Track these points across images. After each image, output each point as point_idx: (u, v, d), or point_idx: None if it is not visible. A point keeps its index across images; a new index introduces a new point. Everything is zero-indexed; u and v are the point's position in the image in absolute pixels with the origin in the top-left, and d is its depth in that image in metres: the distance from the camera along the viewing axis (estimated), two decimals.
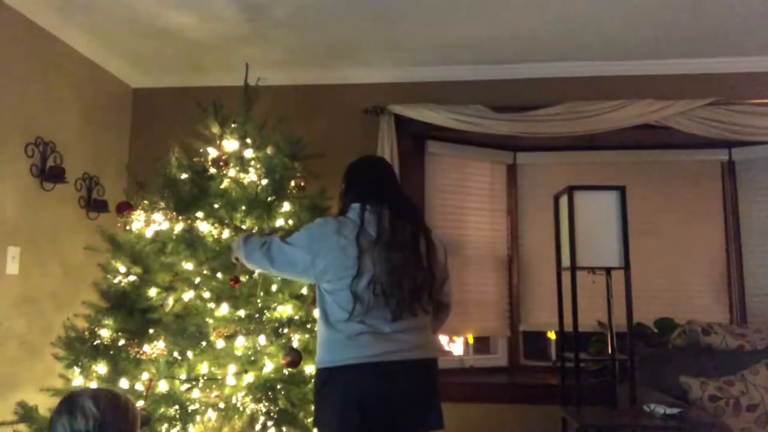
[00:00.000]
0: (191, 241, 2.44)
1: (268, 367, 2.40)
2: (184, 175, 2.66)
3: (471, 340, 3.81)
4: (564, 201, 3.21)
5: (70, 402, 1.54)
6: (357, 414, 1.83)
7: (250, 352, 2.39)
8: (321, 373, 1.96)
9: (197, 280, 2.45)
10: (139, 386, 2.29)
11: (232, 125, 2.79)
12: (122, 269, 2.51)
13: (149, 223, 2.56)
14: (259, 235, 2.28)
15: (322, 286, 2.02)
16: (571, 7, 2.96)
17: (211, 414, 2.35)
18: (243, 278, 2.46)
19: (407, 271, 1.93)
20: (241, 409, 2.34)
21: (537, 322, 3.86)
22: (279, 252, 2.09)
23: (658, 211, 3.88)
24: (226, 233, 2.52)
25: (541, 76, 3.65)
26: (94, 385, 2.32)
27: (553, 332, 3.71)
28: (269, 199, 2.65)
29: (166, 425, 2.24)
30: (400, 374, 1.90)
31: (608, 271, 3.14)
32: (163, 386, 2.26)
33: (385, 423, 1.87)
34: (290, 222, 2.70)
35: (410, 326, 1.95)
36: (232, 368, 2.34)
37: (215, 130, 2.78)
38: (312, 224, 2.10)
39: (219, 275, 2.46)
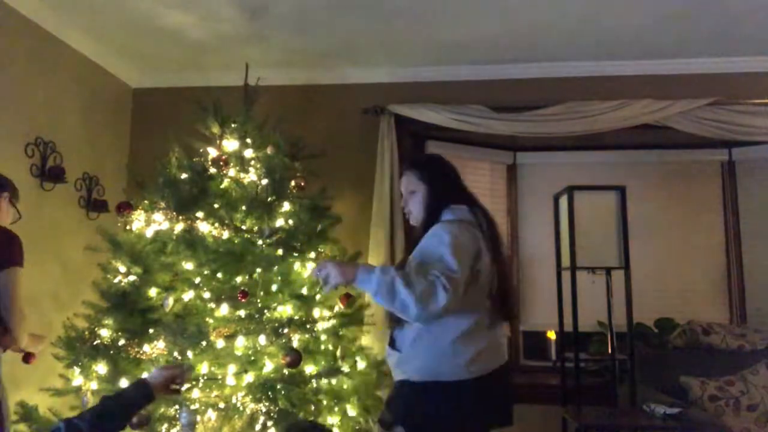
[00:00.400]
0: (191, 241, 2.43)
1: (268, 367, 2.40)
2: (184, 175, 2.66)
3: None
4: (564, 201, 3.21)
5: None
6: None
7: (250, 352, 2.39)
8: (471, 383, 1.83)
9: (197, 280, 2.45)
10: None
11: (232, 125, 2.79)
12: (122, 269, 2.51)
13: (149, 223, 2.56)
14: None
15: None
16: (571, 7, 2.96)
17: (211, 414, 2.35)
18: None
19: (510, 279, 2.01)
20: (241, 409, 2.34)
21: (537, 322, 3.86)
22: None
23: (658, 211, 3.88)
24: (226, 233, 2.52)
25: (541, 76, 3.65)
26: (94, 385, 2.32)
27: (553, 332, 3.70)
28: (269, 199, 2.65)
29: (166, 425, 2.24)
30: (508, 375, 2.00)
31: (608, 271, 3.14)
32: None
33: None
34: (290, 222, 2.70)
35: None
36: (232, 368, 2.34)
37: (215, 130, 2.78)
38: (447, 225, 1.89)
39: (219, 275, 2.46)
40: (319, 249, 2.78)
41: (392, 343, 1.97)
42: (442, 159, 2.16)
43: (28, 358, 2.28)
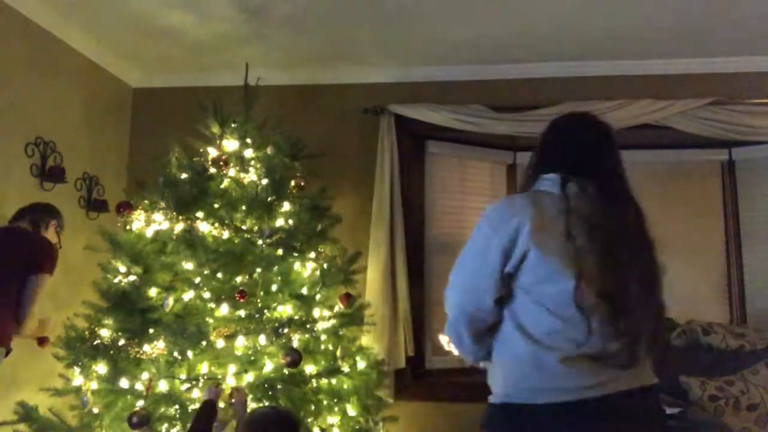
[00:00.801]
0: (191, 241, 2.44)
1: (268, 367, 2.40)
2: (184, 175, 2.66)
3: None
4: None
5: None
6: None
7: (250, 352, 2.39)
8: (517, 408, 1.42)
9: (197, 280, 2.45)
10: (139, 386, 2.29)
11: (232, 125, 2.79)
12: (122, 269, 2.51)
13: (149, 222, 2.56)
14: None
15: None
16: (571, 8, 2.96)
17: None
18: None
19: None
20: None
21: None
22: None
23: (658, 211, 3.86)
24: (226, 233, 2.52)
25: (541, 76, 3.65)
26: (94, 385, 2.32)
27: None
28: (269, 199, 2.65)
29: (166, 425, 2.24)
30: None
31: None
32: (163, 386, 2.27)
33: None
34: (290, 222, 2.70)
35: None
36: (232, 368, 2.34)
37: (215, 129, 2.78)
38: (494, 209, 1.56)
39: (219, 275, 2.46)
40: (319, 249, 2.79)
41: None
42: (569, 120, 1.70)
43: (42, 342, 2.56)
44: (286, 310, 2.52)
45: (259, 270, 2.53)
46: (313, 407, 2.41)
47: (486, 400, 1.55)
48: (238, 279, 2.51)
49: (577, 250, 1.37)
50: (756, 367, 3.05)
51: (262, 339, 2.40)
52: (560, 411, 1.34)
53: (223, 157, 2.69)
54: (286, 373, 2.37)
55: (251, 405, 2.31)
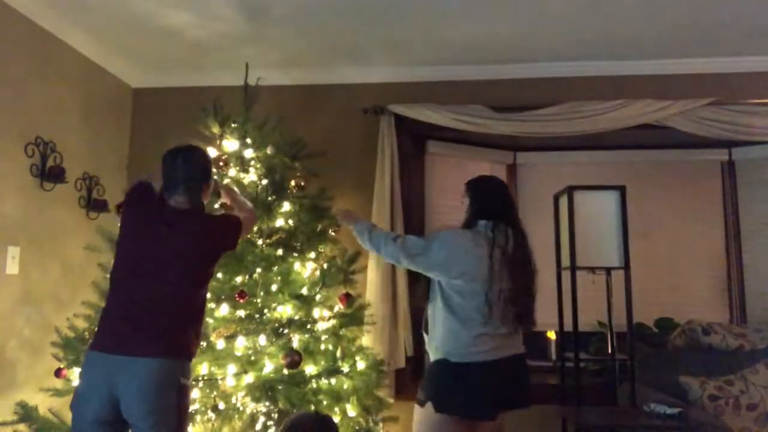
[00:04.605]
0: None
1: (268, 367, 2.40)
2: None
3: None
4: (564, 201, 3.21)
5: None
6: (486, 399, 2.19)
7: (250, 353, 2.39)
8: (446, 363, 2.19)
9: None
10: None
11: (232, 125, 2.79)
12: None
13: None
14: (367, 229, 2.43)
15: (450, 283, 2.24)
16: (571, 8, 2.96)
17: (211, 414, 2.35)
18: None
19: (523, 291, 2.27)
20: (241, 409, 2.34)
21: (537, 321, 3.85)
22: (418, 249, 2.26)
23: (658, 211, 3.88)
24: None
25: (541, 76, 3.65)
26: None
27: (553, 332, 3.70)
28: (269, 199, 2.65)
29: None
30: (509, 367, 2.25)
31: (608, 271, 3.14)
32: None
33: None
34: (290, 222, 2.70)
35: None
36: (232, 368, 2.34)
37: (215, 129, 2.78)
38: (446, 233, 2.30)
39: (219, 275, 2.46)
40: (319, 249, 2.78)
41: None
42: (488, 181, 2.51)
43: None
44: (286, 310, 2.52)
45: (259, 270, 2.53)
46: (313, 407, 2.41)
47: None
48: (238, 279, 2.51)
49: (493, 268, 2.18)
50: (756, 367, 3.05)
51: (262, 339, 2.40)
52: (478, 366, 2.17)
53: (223, 157, 2.69)
54: (286, 373, 2.37)
55: (250, 406, 2.31)
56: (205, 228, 2.10)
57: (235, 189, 2.52)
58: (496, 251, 2.19)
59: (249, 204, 2.43)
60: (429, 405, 2.16)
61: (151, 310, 1.94)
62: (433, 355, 2.27)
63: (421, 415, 2.21)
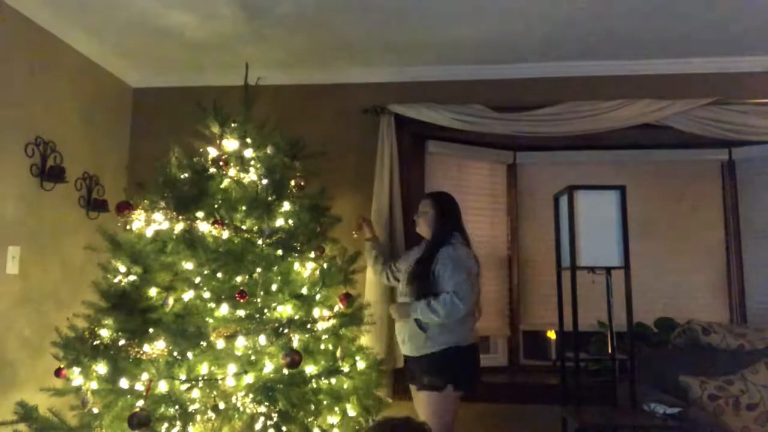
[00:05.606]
0: (191, 241, 2.43)
1: (268, 367, 2.39)
2: (184, 175, 2.65)
3: None
4: (564, 201, 3.21)
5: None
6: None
7: (250, 353, 2.39)
8: (458, 348, 2.79)
9: (197, 280, 2.44)
10: (139, 386, 2.28)
11: (232, 125, 2.79)
12: (122, 269, 2.50)
13: (149, 222, 2.55)
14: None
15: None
16: (571, 7, 2.96)
17: (211, 414, 2.34)
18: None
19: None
20: (241, 409, 2.34)
21: (537, 321, 3.86)
22: (466, 288, 2.78)
23: (658, 211, 3.88)
24: (226, 233, 2.52)
25: (541, 76, 3.65)
26: (94, 385, 2.32)
27: (553, 332, 3.70)
28: (269, 199, 2.64)
29: (166, 425, 2.24)
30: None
31: (608, 271, 3.14)
32: (163, 386, 2.26)
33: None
34: (290, 222, 2.69)
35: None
36: (232, 368, 2.33)
37: (215, 129, 2.78)
38: (462, 256, 2.85)
39: (219, 275, 2.46)
40: (323, 245, 2.78)
41: None
42: (451, 197, 3.07)
43: None
44: (286, 310, 2.52)
45: (259, 270, 2.52)
46: (313, 407, 2.41)
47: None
48: (238, 279, 2.51)
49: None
50: (756, 367, 3.05)
51: (262, 339, 2.40)
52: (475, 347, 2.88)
53: (223, 157, 2.68)
54: (286, 373, 2.37)
55: (250, 406, 2.31)
56: None
57: None
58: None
59: None
60: (449, 387, 2.68)
61: None
62: (436, 346, 2.74)
63: (437, 398, 2.70)
